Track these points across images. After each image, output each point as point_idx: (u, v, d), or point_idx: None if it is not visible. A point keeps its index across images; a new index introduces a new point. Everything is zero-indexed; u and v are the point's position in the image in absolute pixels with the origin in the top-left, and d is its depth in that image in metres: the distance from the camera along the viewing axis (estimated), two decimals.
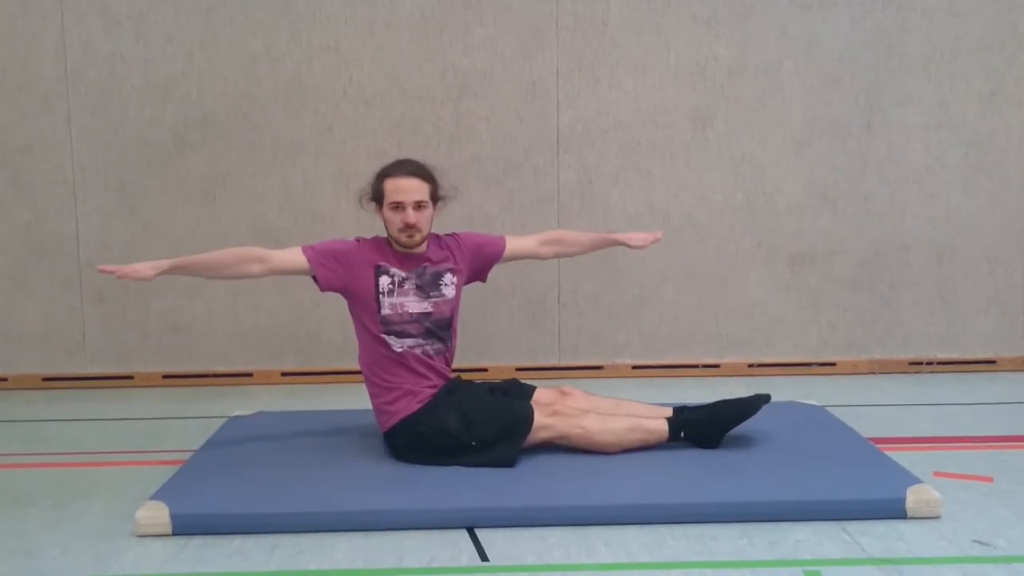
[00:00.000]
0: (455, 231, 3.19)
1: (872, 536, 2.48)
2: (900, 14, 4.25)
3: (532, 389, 3.17)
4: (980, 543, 2.44)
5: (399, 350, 2.97)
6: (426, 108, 4.25)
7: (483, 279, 3.25)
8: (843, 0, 4.24)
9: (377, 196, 3.01)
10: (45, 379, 4.36)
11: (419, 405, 2.94)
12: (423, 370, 3.00)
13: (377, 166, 3.10)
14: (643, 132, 4.30)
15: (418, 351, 3.00)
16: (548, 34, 4.24)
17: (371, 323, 2.97)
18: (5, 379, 4.36)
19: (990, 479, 2.90)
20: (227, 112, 4.24)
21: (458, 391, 3.05)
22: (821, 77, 4.27)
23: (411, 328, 2.99)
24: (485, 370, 4.33)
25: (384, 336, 2.97)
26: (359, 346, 3.05)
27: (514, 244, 3.23)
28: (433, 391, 2.99)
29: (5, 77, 4.20)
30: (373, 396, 3.03)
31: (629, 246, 3.29)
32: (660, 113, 4.29)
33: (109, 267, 2.90)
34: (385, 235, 3.06)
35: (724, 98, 4.28)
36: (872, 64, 4.27)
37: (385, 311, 2.97)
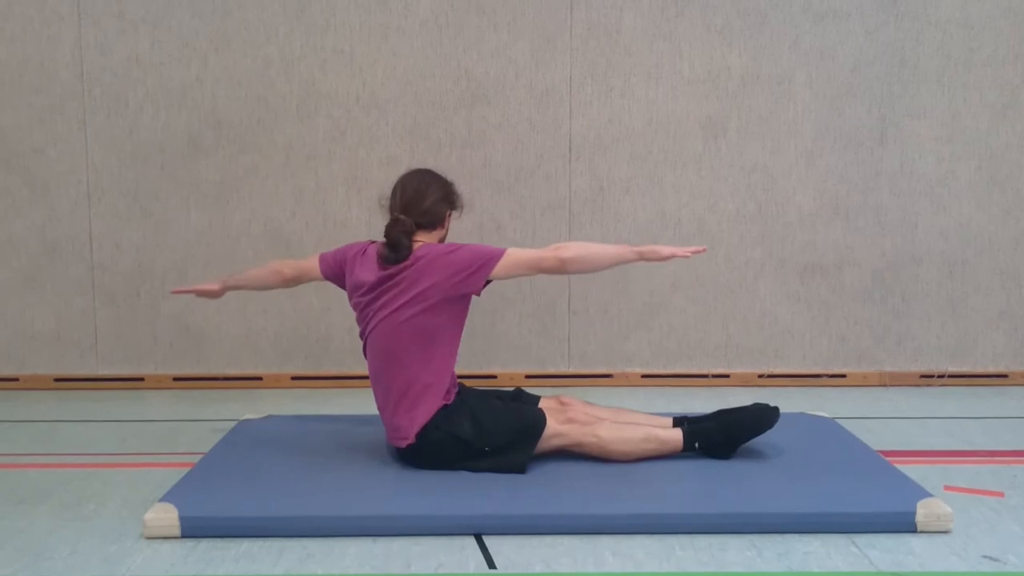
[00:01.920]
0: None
1: (881, 549, 2.47)
2: (914, 26, 4.24)
3: (537, 399, 3.17)
4: (990, 558, 2.43)
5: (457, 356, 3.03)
6: (439, 114, 4.27)
7: None
8: (856, 12, 4.24)
9: (459, 203, 3.09)
10: (56, 380, 4.38)
11: (436, 409, 2.93)
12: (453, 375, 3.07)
13: (390, 172, 3.12)
14: (655, 141, 4.30)
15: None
16: (561, 42, 4.25)
17: (460, 327, 3.00)
18: (16, 379, 4.38)
19: (1001, 494, 2.89)
20: (241, 116, 4.26)
21: (469, 397, 3.05)
22: (834, 88, 4.27)
23: None
24: (494, 376, 4.33)
25: (459, 339, 3.02)
26: (427, 359, 2.91)
27: None
28: (453, 395, 3.00)
29: (21, 79, 4.23)
30: (415, 409, 2.91)
31: None
32: (672, 122, 4.29)
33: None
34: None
35: (736, 108, 4.28)
36: (885, 76, 4.27)
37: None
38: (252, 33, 4.23)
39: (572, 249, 2.94)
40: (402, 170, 3.14)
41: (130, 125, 4.26)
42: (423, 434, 2.90)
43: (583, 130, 4.29)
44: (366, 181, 4.27)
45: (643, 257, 2.97)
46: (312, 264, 3.23)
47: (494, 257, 2.89)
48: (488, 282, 2.93)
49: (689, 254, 2.97)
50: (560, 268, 2.95)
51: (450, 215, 3.07)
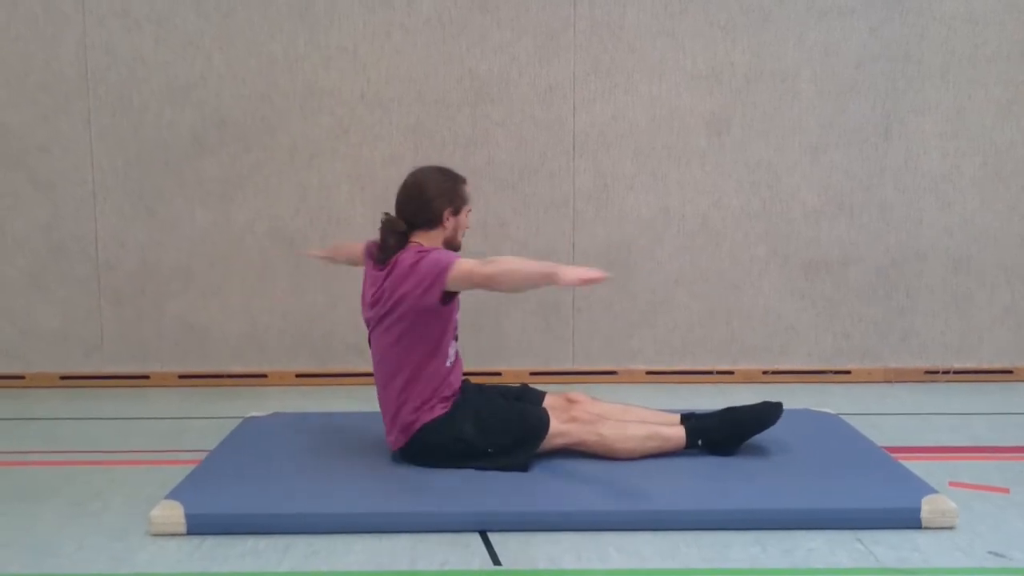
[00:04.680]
0: None
1: (886, 546, 2.47)
2: (918, 22, 4.23)
3: (542, 395, 3.17)
4: (995, 554, 2.43)
5: (450, 360, 2.96)
6: (442, 112, 4.27)
7: None
8: (861, 8, 4.23)
9: (460, 201, 2.97)
10: (62, 378, 4.39)
11: (441, 412, 2.92)
12: (455, 376, 3.01)
13: (393, 170, 3.11)
14: (659, 137, 4.30)
15: (455, 355, 3.01)
16: (565, 39, 4.25)
17: (446, 333, 2.91)
18: (23, 377, 4.39)
19: (1006, 490, 2.88)
20: (245, 114, 4.26)
21: (472, 397, 3.05)
22: (838, 84, 4.26)
23: (455, 332, 3.03)
24: (499, 374, 4.33)
25: (448, 344, 2.94)
26: (402, 364, 2.90)
27: None
28: (455, 397, 2.99)
29: (26, 77, 4.24)
30: (401, 414, 2.92)
31: None
32: (676, 118, 4.29)
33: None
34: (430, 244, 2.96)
35: (740, 104, 4.28)
36: (889, 71, 4.26)
37: (456, 315, 2.97)
38: (256, 31, 4.23)
39: (497, 265, 2.74)
40: (405, 168, 3.13)
41: (135, 124, 4.26)
42: (419, 437, 2.91)
43: (586, 127, 4.29)
44: (369, 179, 4.28)
45: (548, 279, 2.67)
46: (359, 249, 3.20)
47: (445, 269, 2.79)
48: (455, 293, 2.86)
49: (588, 282, 2.60)
50: (486, 284, 2.76)
51: (449, 213, 2.96)
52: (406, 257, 2.86)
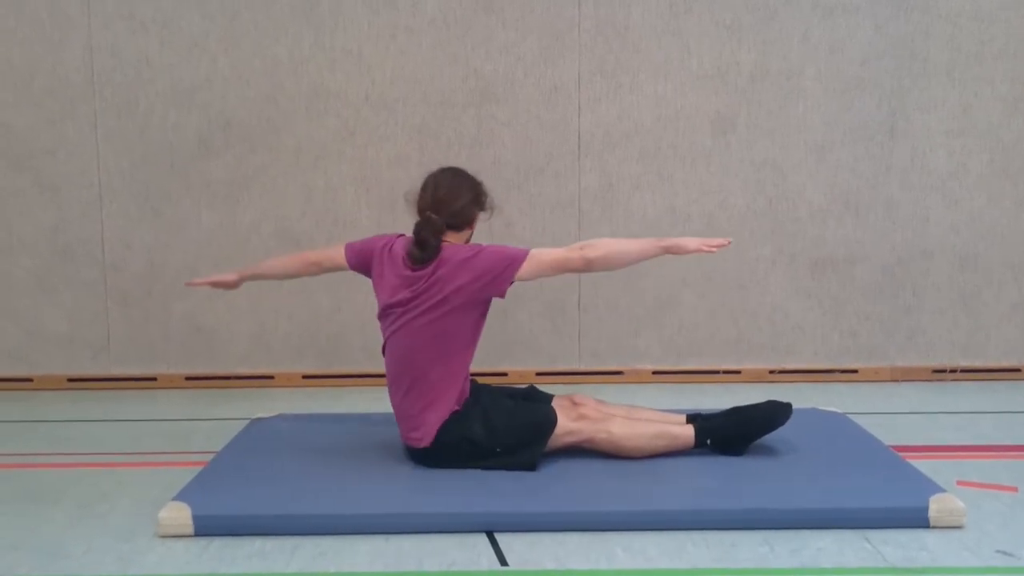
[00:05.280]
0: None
1: (894, 545, 2.47)
2: (924, 19, 4.22)
3: (550, 397, 3.16)
4: (1004, 553, 2.42)
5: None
6: (448, 113, 4.27)
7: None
8: (866, 5, 4.22)
9: (488, 204, 3.08)
10: (70, 380, 4.40)
11: (453, 411, 2.93)
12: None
13: (399, 171, 3.12)
14: (664, 137, 4.29)
15: None
16: (570, 39, 4.25)
17: (481, 326, 3.00)
18: (30, 380, 4.40)
19: (1014, 489, 2.88)
20: (250, 116, 4.27)
21: (481, 396, 3.04)
22: (844, 82, 4.26)
23: None
24: (505, 374, 4.33)
25: (479, 337, 3.01)
26: (437, 359, 2.91)
27: None
28: (465, 397, 2.98)
29: (32, 81, 4.25)
30: (430, 409, 2.92)
31: None
32: (681, 118, 4.28)
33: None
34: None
35: (746, 103, 4.27)
36: (895, 69, 4.25)
37: None
38: (261, 33, 4.24)
39: (599, 248, 2.89)
40: (411, 169, 3.14)
41: (140, 126, 4.27)
42: (437, 437, 2.91)
43: (592, 127, 4.29)
44: (375, 180, 4.28)
45: (668, 251, 2.95)
46: (338, 253, 3.19)
47: (518, 259, 2.88)
48: (511, 283, 2.92)
49: (714, 248, 2.91)
50: (586, 268, 2.94)
51: (478, 216, 3.06)
52: (456, 252, 2.90)
